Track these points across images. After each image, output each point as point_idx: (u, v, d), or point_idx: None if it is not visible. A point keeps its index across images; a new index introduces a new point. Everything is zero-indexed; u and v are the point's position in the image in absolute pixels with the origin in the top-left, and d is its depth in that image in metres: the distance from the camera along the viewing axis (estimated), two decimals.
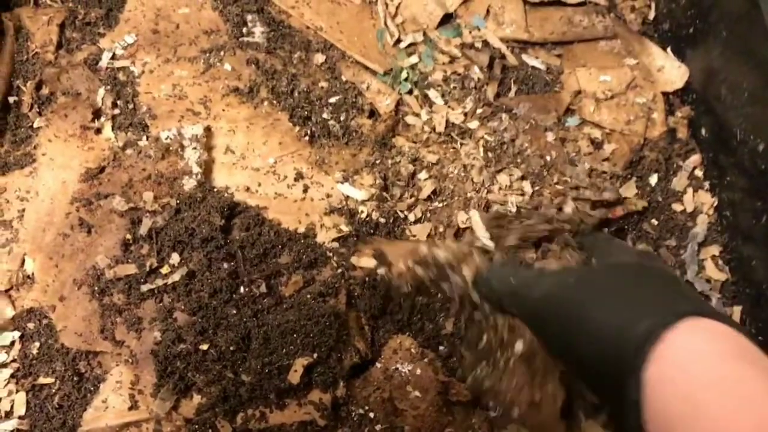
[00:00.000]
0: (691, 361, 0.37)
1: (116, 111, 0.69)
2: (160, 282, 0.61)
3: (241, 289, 0.61)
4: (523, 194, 0.67)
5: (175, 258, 0.62)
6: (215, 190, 0.65)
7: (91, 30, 0.74)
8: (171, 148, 0.66)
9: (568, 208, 0.64)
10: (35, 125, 0.69)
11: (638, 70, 0.77)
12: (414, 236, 0.66)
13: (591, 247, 0.59)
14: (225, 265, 0.61)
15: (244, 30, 0.74)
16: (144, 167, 0.66)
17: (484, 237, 0.61)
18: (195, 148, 0.66)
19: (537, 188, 0.68)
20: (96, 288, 0.61)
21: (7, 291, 0.62)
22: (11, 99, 0.70)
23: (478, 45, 0.77)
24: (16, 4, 0.75)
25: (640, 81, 0.76)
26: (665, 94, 0.76)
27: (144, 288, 0.61)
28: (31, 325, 0.61)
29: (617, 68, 0.77)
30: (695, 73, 0.75)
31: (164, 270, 0.61)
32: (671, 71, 0.77)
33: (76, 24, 0.74)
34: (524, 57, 0.78)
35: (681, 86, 0.76)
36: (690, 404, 0.35)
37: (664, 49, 0.78)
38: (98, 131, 0.69)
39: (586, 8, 0.81)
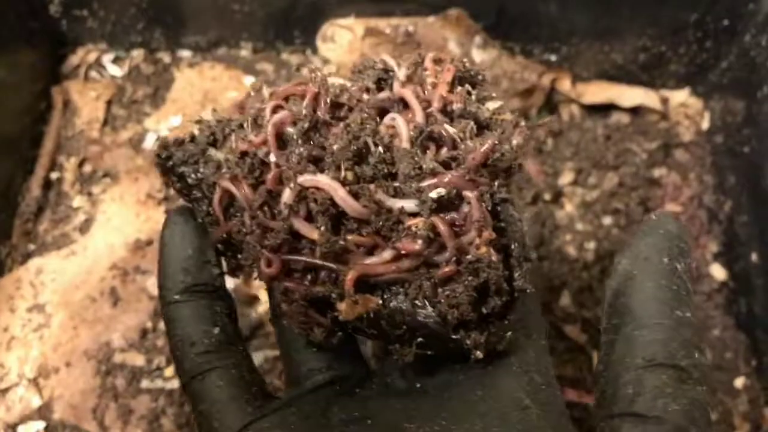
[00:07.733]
0: None
1: (161, 195, 0.69)
2: (159, 384, 0.60)
3: None
4: None
5: None
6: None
7: (137, 109, 0.74)
8: None
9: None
10: (75, 205, 0.68)
11: None
12: None
13: None
14: None
15: None
16: None
17: None
18: None
19: None
20: (103, 367, 0.61)
21: (35, 379, 0.61)
22: (54, 175, 0.70)
23: None
24: (66, 77, 0.75)
25: None
26: None
27: (143, 384, 0.60)
28: (56, 416, 0.60)
29: None
30: None
31: (168, 372, 0.60)
32: None
33: (123, 101, 0.74)
34: None
35: None
36: None
37: None
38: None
39: None
